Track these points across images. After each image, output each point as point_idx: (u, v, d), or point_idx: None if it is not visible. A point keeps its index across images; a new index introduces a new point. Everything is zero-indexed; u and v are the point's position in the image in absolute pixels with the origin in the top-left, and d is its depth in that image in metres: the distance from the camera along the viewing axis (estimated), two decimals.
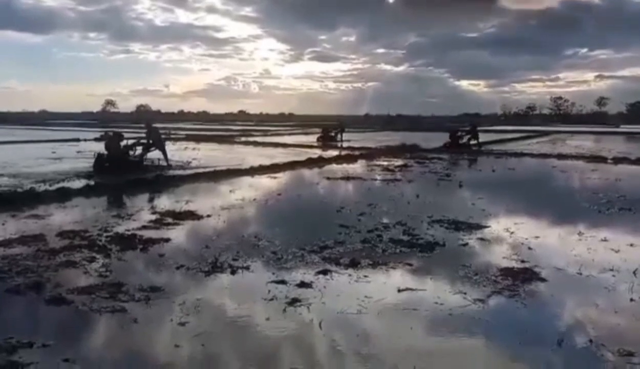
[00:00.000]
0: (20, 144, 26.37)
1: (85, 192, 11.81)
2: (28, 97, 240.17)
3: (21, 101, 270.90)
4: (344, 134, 31.70)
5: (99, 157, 15.26)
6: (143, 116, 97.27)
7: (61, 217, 9.54)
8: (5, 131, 40.38)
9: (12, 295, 5.40)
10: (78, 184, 12.59)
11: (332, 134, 31.25)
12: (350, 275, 6.18)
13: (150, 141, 16.91)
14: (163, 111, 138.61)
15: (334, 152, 23.73)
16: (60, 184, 12.30)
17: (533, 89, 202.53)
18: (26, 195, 10.80)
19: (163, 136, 17.90)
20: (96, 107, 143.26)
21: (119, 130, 19.01)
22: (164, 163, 16.59)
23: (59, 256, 6.69)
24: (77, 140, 29.23)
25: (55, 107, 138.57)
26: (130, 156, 15.99)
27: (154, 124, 18.48)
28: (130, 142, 16.42)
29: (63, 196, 11.22)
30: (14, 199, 10.41)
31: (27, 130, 43.48)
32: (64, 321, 4.85)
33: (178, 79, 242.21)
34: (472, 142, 25.85)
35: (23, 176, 13.78)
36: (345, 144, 28.06)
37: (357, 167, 18.32)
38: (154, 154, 16.93)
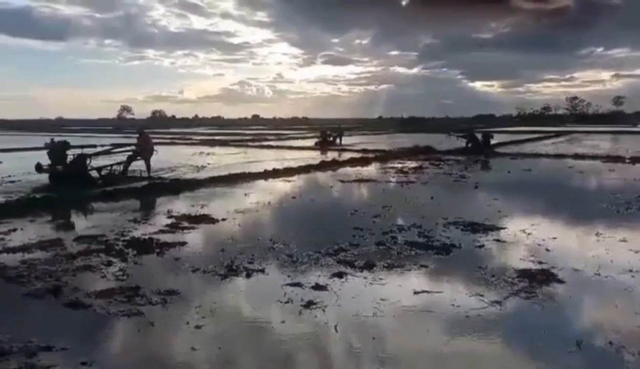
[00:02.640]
0: (36, 151, 26.68)
1: (102, 197, 11.96)
2: (45, 105, 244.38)
3: (38, 108, 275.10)
4: (342, 138, 31.85)
5: (39, 168, 13.62)
6: (158, 121, 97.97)
7: (78, 222, 9.68)
8: (22, 138, 40.95)
9: (31, 299, 5.47)
10: (95, 189, 12.76)
11: (331, 138, 31.13)
12: (365, 277, 6.16)
13: (138, 150, 16.01)
14: (178, 116, 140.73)
15: (334, 155, 23.37)
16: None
17: (548, 89, 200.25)
18: (43, 201, 10.92)
19: (154, 144, 16.77)
20: (112, 113, 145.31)
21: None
22: (145, 174, 15.47)
23: (77, 261, 6.78)
24: (94, 146, 29.47)
25: (72, 114, 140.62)
26: (87, 167, 14.13)
27: (145, 130, 17.70)
28: (91, 151, 14.97)
29: (80, 201, 11.38)
30: (31, 204, 10.55)
31: (44, 136, 43.99)
32: (82, 325, 4.91)
33: (193, 85, 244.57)
34: (469, 145, 25.90)
35: (37, 182, 13.97)
36: (358, 147, 27.92)
37: (371, 170, 18.27)
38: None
